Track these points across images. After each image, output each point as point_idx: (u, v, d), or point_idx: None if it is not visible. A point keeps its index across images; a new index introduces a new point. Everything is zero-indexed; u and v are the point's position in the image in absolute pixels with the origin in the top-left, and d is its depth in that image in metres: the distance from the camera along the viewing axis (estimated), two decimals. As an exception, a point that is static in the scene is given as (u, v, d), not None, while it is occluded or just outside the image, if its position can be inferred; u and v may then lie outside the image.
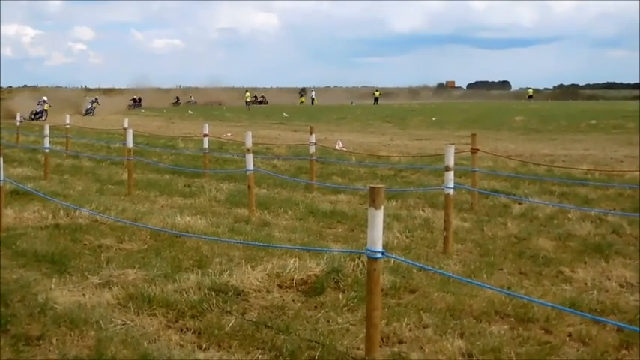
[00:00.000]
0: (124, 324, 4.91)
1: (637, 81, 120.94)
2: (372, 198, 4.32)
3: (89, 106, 45.96)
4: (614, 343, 4.58)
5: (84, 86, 76.93)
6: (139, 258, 6.72)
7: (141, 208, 9.44)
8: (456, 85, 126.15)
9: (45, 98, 41.81)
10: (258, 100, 74.27)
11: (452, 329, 4.85)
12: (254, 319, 5.05)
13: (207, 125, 14.45)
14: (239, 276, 5.81)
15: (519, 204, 9.68)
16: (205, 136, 14.13)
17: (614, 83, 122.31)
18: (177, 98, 71.33)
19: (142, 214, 8.78)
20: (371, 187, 4.35)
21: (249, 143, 9.83)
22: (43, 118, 38.67)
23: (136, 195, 10.92)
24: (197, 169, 13.88)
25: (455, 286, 5.72)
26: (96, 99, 47.48)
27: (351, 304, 5.33)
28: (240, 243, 7.12)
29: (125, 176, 11.91)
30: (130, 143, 11.59)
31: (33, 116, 38.97)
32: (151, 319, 5.04)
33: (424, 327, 4.92)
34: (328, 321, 5.02)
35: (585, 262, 6.69)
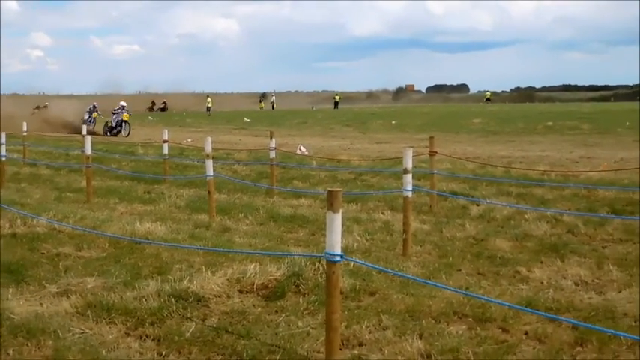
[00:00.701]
0: (82, 333, 4.84)
1: (592, 83, 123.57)
2: (330, 202, 4.34)
3: (88, 117, 34.73)
4: (569, 341, 4.69)
5: (42, 93, 75.36)
6: (97, 266, 6.63)
7: (100, 215, 9.31)
8: (416, 88, 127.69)
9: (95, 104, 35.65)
10: (160, 107, 69.16)
11: (411, 330, 4.91)
12: (214, 325, 5.03)
13: (166, 131, 14.35)
14: (199, 282, 5.79)
15: (477, 205, 9.83)
16: (165, 142, 14.03)
17: (570, 85, 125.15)
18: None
19: (101, 221, 8.67)
20: (329, 191, 4.37)
21: (208, 149, 9.79)
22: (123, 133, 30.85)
23: (95, 202, 10.78)
24: (157, 175, 13.75)
25: (414, 288, 5.78)
26: (94, 106, 35.87)
27: (312, 308, 5.34)
28: (201, 249, 7.08)
29: (84, 184, 11.74)
30: (88, 150, 11.43)
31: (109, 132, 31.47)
32: (110, 327, 4.98)
33: (384, 329, 4.96)
34: (289, 325, 5.03)
35: (541, 262, 6.82)
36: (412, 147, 7.98)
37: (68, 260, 6.92)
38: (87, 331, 4.88)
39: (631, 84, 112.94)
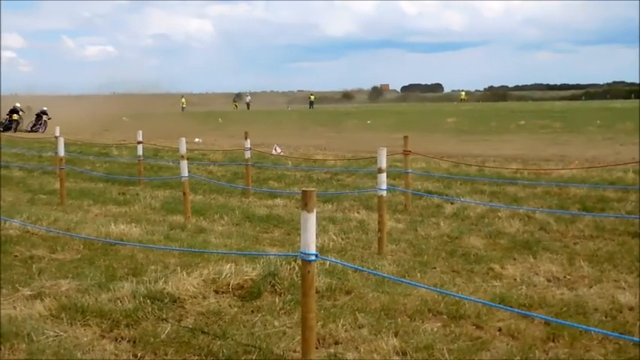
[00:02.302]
0: (56, 336, 4.80)
1: (564, 82, 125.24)
2: (305, 201, 4.36)
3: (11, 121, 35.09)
4: (542, 336, 4.77)
5: (14, 94, 74.11)
6: (71, 268, 6.57)
7: (74, 217, 9.23)
8: (391, 88, 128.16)
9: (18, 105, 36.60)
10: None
11: (386, 328, 4.95)
12: (190, 326, 5.02)
13: (140, 132, 14.24)
14: (175, 283, 5.77)
15: (452, 204, 9.91)
16: (139, 143, 13.94)
17: (542, 84, 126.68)
18: None
19: (74, 223, 8.59)
20: (303, 191, 4.39)
21: (183, 150, 9.76)
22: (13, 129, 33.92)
23: (69, 204, 10.68)
24: (132, 176, 13.67)
25: (389, 286, 5.82)
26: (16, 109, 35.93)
27: (288, 308, 5.36)
28: (176, 250, 7.06)
29: (57, 185, 11.62)
30: (61, 152, 11.31)
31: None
32: (84, 329, 4.95)
33: (359, 327, 5.00)
34: (265, 325, 5.04)
35: (514, 259, 6.92)
36: (387, 146, 8.02)
37: (41, 263, 6.85)
38: (61, 334, 4.84)
39: (601, 82, 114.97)
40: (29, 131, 33.94)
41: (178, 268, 6.30)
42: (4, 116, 35.90)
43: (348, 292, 5.79)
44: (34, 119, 35.69)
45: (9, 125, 34.89)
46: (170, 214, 9.74)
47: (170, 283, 5.75)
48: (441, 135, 27.36)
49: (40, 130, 34.65)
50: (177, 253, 6.98)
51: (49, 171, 14.59)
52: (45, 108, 36.17)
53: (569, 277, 6.31)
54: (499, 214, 9.10)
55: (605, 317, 5.16)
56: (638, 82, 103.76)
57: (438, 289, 5.44)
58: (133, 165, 15.23)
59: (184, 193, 9.44)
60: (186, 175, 9.57)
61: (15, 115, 35.72)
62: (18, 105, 36.80)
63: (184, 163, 9.64)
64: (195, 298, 5.62)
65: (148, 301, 5.38)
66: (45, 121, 35.29)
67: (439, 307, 5.33)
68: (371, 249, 7.52)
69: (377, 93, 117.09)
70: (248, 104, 74.38)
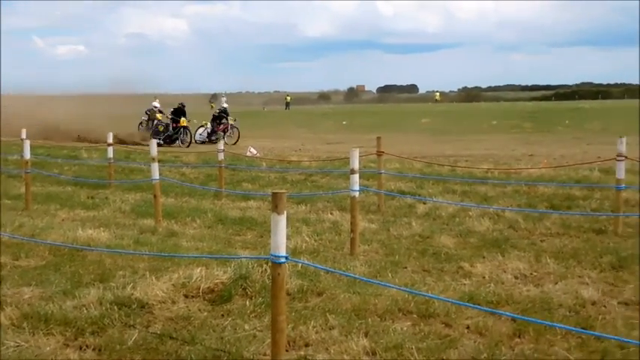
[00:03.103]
0: (17, 346, 4.71)
1: (535, 83, 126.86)
2: (275, 203, 4.35)
3: None
4: (508, 333, 4.81)
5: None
6: (35, 275, 6.45)
7: (39, 222, 9.07)
8: (366, 89, 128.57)
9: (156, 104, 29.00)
10: None
11: (357, 329, 4.95)
12: (158, 332, 4.98)
13: (111, 134, 14.08)
14: (143, 288, 5.71)
15: (424, 204, 9.97)
16: (110, 145, 13.78)
17: (514, 85, 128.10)
18: None
19: (40, 229, 8.46)
20: (273, 193, 4.38)
21: (154, 152, 9.68)
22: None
23: (35, 209, 10.50)
24: (101, 179, 13.50)
25: (361, 287, 5.83)
26: None
27: (259, 311, 5.34)
28: (145, 254, 6.98)
29: (23, 189, 11.41)
30: (27, 154, 11.11)
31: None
32: (47, 338, 4.85)
33: (330, 329, 4.99)
34: (235, 329, 5.02)
35: (484, 257, 6.96)
36: (361, 147, 8.05)
37: (4, 270, 6.70)
38: (22, 344, 4.75)
39: (570, 83, 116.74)
40: None
41: (147, 272, 6.23)
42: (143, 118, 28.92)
43: (320, 294, 5.78)
44: None
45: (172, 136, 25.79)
46: (140, 217, 9.65)
47: (138, 289, 5.70)
48: (416, 135, 27.51)
49: None
50: (147, 258, 6.90)
51: (14, 175, 14.26)
52: None
53: (535, 274, 6.38)
54: (470, 213, 9.17)
55: (569, 312, 5.24)
56: (605, 83, 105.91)
57: (408, 289, 5.45)
58: (103, 168, 15.02)
59: (155, 196, 9.36)
60: (157, 177, 9.49)
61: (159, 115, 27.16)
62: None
63: (155, 166, 9.56)
64: (164, 303, 5.57)
65: (115, 307, 5.32)
66: None
67: (409, 307, 5.34)
68: (344, 250, 7.52)
69: (353, 94, 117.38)
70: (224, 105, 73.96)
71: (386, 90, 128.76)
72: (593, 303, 5.47)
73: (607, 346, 4.44)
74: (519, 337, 4.74)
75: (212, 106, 73.92)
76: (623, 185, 8.32)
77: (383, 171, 10.49)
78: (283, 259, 4.34)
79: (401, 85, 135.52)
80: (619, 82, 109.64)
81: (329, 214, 9.60)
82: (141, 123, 29.49)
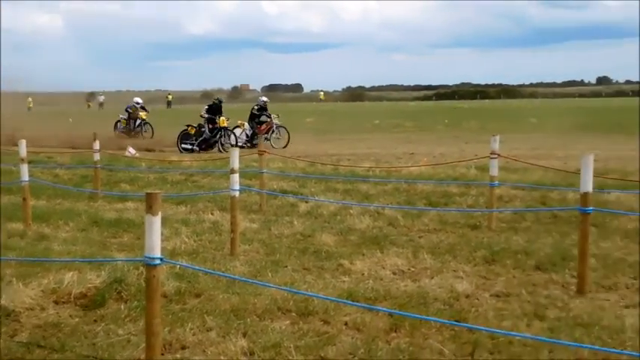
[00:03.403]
0: None
1: (417, 83, 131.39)
2: (149, 204, 4.20)
3: None
4: (385, 328, 4.92)
5: None
6: None
7: None
8: (251, 88, 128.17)
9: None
10: None
11: (235, 329, 4.91)
12: (25, 340, 4.71)
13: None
14: (9, 295, 5.39)
15: (306, 202, 10.03)
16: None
17: (397, 85, 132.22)
18: None
19: None
20: (147, 194, 4.23)
21: (23, 152, 9.16)
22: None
23: None
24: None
25: (240, 287, 5.77)
26: None
27: (134, 314, 5.17)
28: (12, 260, 6.58)
29: None
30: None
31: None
32: None
33: (208, 330, 4.92)
34: (108, 334, 4.83)
35: (363, 254, 7.10)
36: (238, 148, 7.98)
37: None
38: None
39: (450, 84, 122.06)
40: None
41: (14, 279, 5.88)
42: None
43: (198, 295, 5.68)
44: None
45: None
46: (8, 221, 9.09)
47: (4, 296, 5.37)
48: (300, 135, 27.67)
49: None
50: (14, 264, 6.49)
51: None
52: None
53: (413, 269, 6.58)
54: (351, 211, 9.32)
55: (444, 306, 5.43)
56: (483, 83, 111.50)
57: (286, 288, 5.46)
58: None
59: (24, 199, 8.86)
60: (27, 179, 9.00)
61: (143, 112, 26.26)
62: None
63: (25, 167, 9.07)
64: (32, 310, 5.28)
65: (-23, 316, 4.98)
66: None
67: (289, 305, 5.36)
68: (224, 250, 7.44)
69: (237, 93, 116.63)
70: (101, 104, 71.41)
71: (271, 89, 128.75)
72: (467, 296, 5.70)
73: (478, 337, 4.61)
74: (395, 331, 4.86)
75: (89, 105, 71.25)
76: (497, 182, 8.70)
77: (265, 170, 10.48)
78: (158, 261, 4.21)
79: (286, 85, 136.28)
80: (496, 83, 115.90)
81: (209, 215, 9.48)
82: (118, 122, 26.56)
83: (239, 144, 20.14)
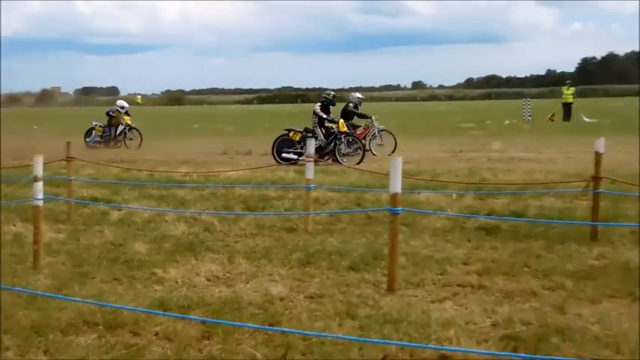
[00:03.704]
0: None
1: (238, 86, 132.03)
2: None
3: None
4: (197, 336, 4.82)
5: None
6: None
7: None
8: (63, 91, 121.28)
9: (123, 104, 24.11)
10: None
11: (36, 347, 4.60)
12: None
13: None
14: None
15: (119, 210, 9.64)
16: None
17: (217, 89, 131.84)
18: None
19: None
20: None
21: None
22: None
23: None
24: None
25: (43, 302, 5.41)
26: None
27: None
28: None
29: None
30: None
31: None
32: None
33: (5, 350, 4.55)
34: None
35: (177, 262, 6.94)
36: (41, 154, 7.47)
37: None
38: None
39: (272, 87, 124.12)
40: None
41: None
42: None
43: (-6, 314, 5.23)
44: None
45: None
46: None
47: None
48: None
49: None
50: None
51: None
52: None
53: (228, 274, 6.54)
54: (166, 218, 9.10)
55: (258, 310, 5.43)
56: (304, 87, 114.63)
57: (92, 301, 5.21)
58: None
59: None
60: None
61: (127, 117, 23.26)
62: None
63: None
64: None
65: None
66: None
67: (95, 318, 5.09)
68: (26, 263, 6.93)
69: (48, 96, 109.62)
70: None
71: (85, 92, 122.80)
72: (282, 299, 5.72)
73: (291, 340, 4.64)
74: (208, 338, 4.78)
75: None
76: (313, 185, 8.90)
77: (74, 177, 9.93)
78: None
79: (101, 87, 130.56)
80: (316, 87, 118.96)
81: (11, 226, 8.80)
82: (91, 129, 23.11)
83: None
